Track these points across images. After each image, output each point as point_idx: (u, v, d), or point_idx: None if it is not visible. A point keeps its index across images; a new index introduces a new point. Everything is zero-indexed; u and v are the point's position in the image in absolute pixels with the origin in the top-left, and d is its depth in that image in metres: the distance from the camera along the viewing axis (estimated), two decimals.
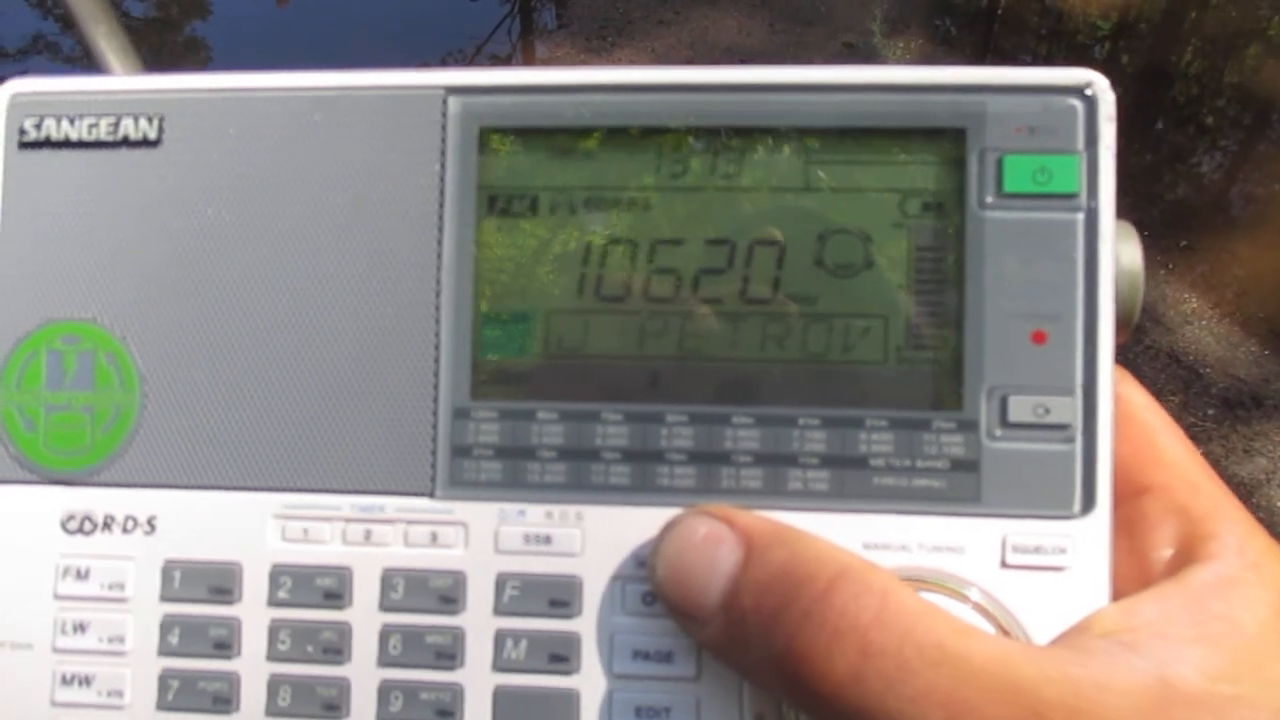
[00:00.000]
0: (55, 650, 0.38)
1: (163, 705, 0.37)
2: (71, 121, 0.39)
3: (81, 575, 0.38)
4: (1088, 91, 0.36)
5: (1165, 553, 0.34)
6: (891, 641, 0.29)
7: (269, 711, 0.37)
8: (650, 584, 0.35)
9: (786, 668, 0.30)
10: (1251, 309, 1.95)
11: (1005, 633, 0.34)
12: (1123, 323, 0.36)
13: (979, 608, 0.34)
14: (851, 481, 0.36)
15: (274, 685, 0.37)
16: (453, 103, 0.38)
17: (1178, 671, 0.30)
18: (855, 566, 0.31)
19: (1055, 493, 0.35)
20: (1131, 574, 0.35)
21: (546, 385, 0.37)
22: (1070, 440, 0.35)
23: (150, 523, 0.38)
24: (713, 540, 0.33)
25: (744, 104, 0.37)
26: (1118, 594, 0.34)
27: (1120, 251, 0.36)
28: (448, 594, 0.37)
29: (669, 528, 0.34)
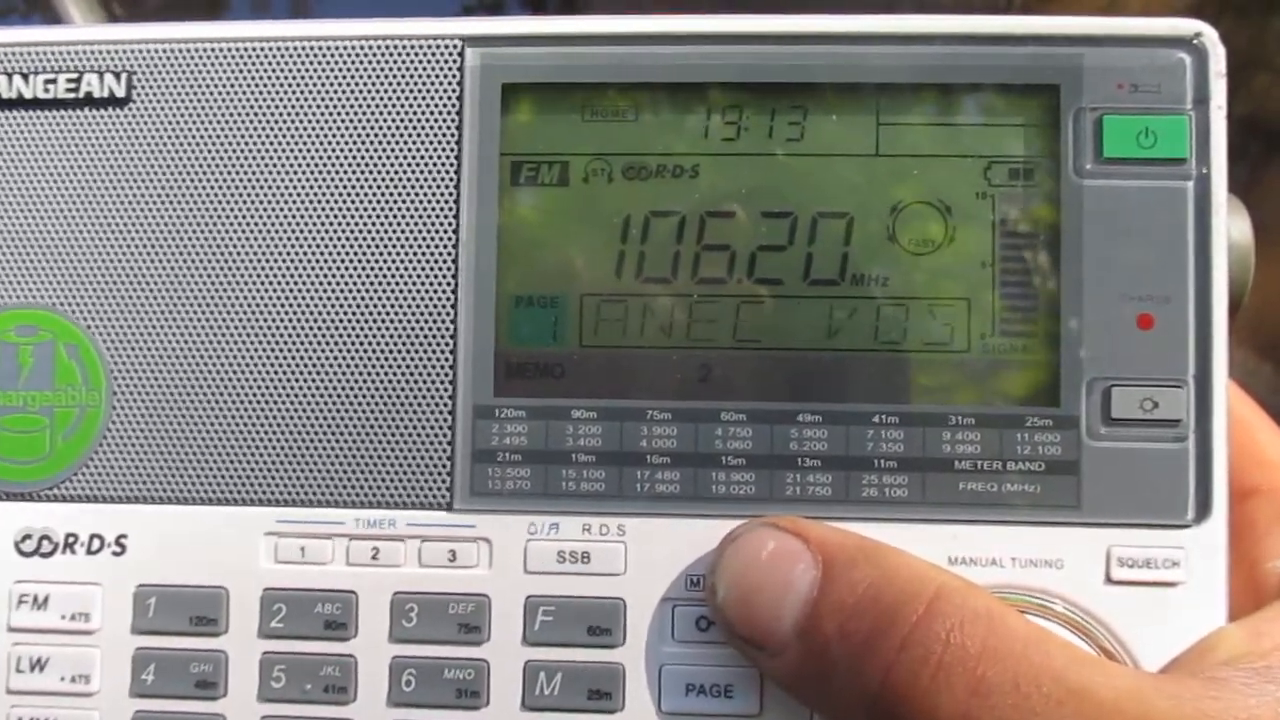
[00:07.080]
0: (9, 691, 0.36)
1: None
2: (25, 78, 0.37)
3: (39, 604, 0.36)
4: (1196, 43, 0.35)
5: (1278, 564, 0.34)
6: (1006, 676, 0.28)
7: None
8: (709, 607, 0.34)
9: (881, 706, 0.29)
10: (1267, 335, 1.96)
11: (1110, 657, 0.33)
12: (1233, 306, 0.35)
13: (1081, 629, 0.33)
14: (934, 487, 0.35)
15: None
16: (470, 55, 0.36)
17: None
18: (955, 586, 0.30)
19: (1166, 498, 0.34)
20: (1239, 587, 0.34)
21: (582, 379, 0.36)
22: (1182, 438, 0.34)
23: (119, 542, 0.36)
24: (783, 556, 0.31)
25: (806, 57, 0.36)
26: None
27: (1230, 225, 0.35)
28: (469, 621, 0.35)
29: (730, 542, 0.33)
